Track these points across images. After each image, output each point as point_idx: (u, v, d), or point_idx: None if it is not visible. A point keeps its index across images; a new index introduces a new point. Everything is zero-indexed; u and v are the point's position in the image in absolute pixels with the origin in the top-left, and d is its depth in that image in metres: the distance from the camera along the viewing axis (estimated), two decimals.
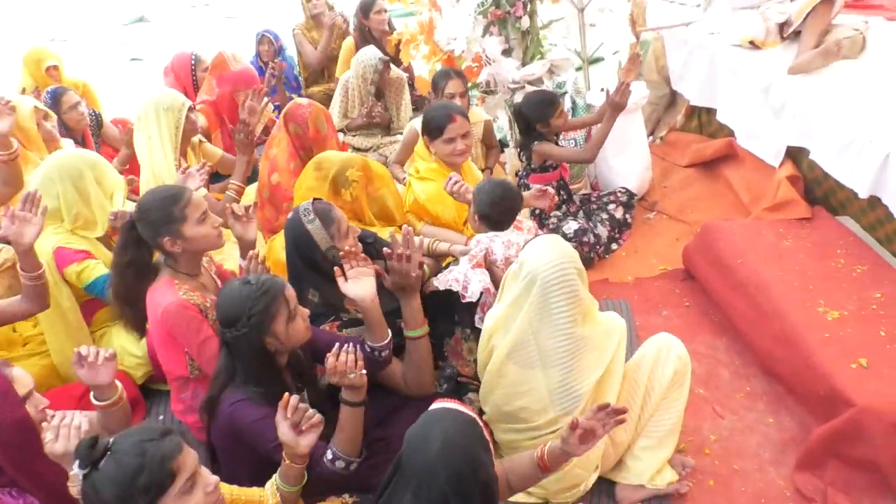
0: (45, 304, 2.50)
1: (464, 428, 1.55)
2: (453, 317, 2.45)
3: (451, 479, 1.48)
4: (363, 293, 2.12)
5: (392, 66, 4.51)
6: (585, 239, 3.51)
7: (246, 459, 1.94)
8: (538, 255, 2.08)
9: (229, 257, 2.98)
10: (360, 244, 2.28)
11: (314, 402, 2.12)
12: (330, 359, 1.87)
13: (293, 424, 1.74)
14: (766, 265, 2.89)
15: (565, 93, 4.07)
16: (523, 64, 4.08)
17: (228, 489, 1.73)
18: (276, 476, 1.81)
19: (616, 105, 3.31)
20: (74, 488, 1.67)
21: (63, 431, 1.66)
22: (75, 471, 1.38)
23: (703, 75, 4.06)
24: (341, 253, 2.18)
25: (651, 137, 4.47)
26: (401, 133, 4.37)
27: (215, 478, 1.52)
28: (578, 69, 4.36)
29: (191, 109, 3.46)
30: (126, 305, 2.38)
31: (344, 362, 1.86)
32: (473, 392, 2.38)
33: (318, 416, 1.76)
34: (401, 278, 2.18)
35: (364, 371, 1.90)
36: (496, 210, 2.61)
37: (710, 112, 4.13)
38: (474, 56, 4.08)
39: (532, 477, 1.85)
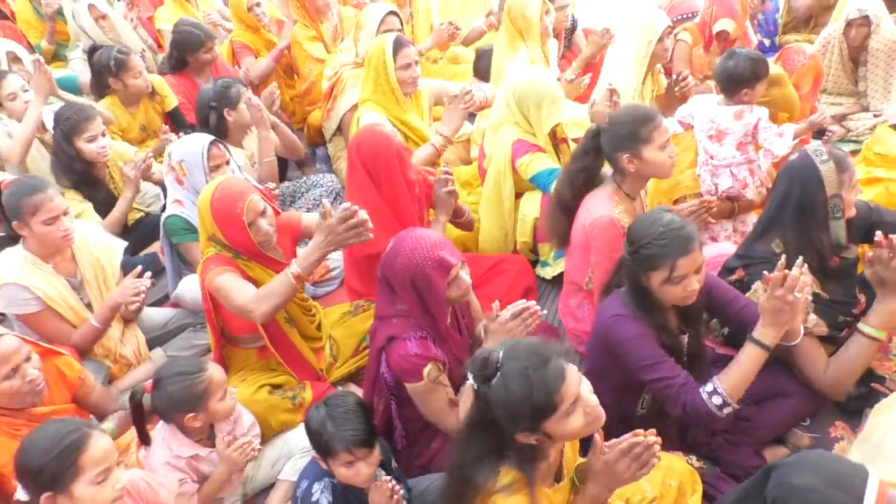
0: None
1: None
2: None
3: None
4: None
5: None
6: None
7: (612, 374, 1.98)
8: None
9: None
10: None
11: (691, 349, 2.07)
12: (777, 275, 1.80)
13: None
14: None
15: None
16: None
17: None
18: None
19: None
20: None
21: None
22: (469, 382, 1.51)
23: None
24: None
25: None
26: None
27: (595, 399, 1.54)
28: None
29: (668, 34, 3.40)
30: (559, 211, 2.53)
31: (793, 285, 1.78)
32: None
33: None
34: (885, 272, 1.92)
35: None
36: None
37: None
38: None
39: None
